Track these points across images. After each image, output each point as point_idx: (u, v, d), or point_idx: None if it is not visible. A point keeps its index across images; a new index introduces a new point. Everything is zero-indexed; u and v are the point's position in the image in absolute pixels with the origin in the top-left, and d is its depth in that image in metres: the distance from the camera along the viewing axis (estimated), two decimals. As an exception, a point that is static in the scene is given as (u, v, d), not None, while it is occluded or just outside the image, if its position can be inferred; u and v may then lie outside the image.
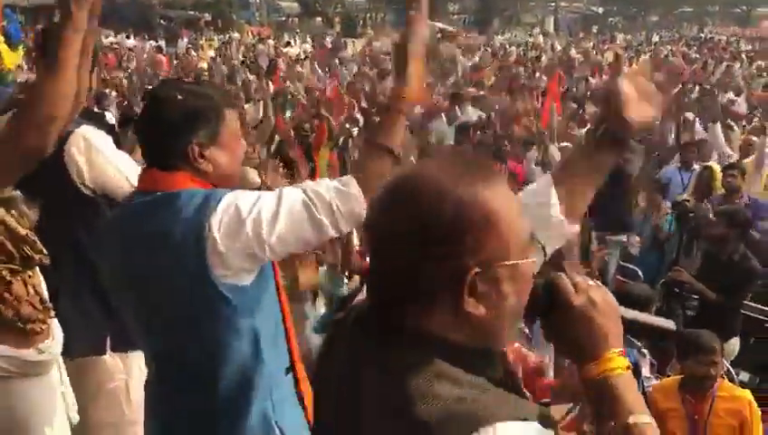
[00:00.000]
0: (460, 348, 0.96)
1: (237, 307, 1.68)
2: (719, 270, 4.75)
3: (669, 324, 1.19)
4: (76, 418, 2.16)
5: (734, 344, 4.66)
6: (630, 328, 1.13)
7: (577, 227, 1.46)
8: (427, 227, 0.93)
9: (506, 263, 0.96)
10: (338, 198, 1.67)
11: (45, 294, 2.05)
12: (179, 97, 1.73)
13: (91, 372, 2.45)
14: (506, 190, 0.99)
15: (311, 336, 3.25)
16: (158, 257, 1.67)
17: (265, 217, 1.62)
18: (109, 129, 2.64)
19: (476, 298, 0.94)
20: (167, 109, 1.73)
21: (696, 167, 6.95)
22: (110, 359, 2.41)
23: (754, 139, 7.24)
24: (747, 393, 3.41)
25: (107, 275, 1.87)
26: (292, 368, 1.85)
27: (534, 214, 1.31)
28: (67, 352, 2.39)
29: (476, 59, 19.33)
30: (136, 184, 2.21)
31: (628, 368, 1.05)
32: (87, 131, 2.37)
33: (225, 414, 1.73)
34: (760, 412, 3.34)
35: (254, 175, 4.35)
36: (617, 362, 1.04)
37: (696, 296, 4.85)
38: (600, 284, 1.09)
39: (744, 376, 4.41)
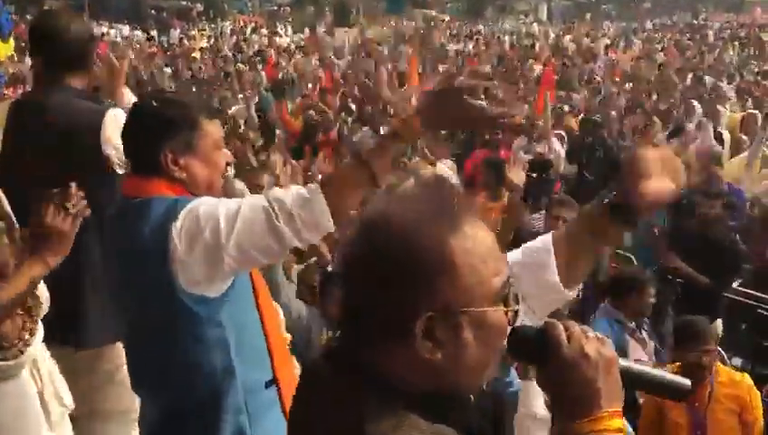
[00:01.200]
0: (421, 392, 0.93)
1: (203, 318, 1.66)
2: (709, 253, 4.78)
3: (684, 383, 1.04)
4: (71, 405, 2.13)
5: (718, 327, 4.72)
6: (636, 384, 1.04)
7: (574, 293, 1.39)
8: (382, 266, 0.92)
9: (468, 310, 0.92)
10: (301, 208, 1.61)
11: (44, 294, 2.00)
12: (154, 104, 1.79)
13: (101, 361, 2.47)
14: (478, 235, 0.95)
15: (291, 302, 3.39)
16: (129, 265, 1.72)
17: (223, 224, 1.59)
18: None
19: (434, 343, 0.91)
20: (142, 116, 1.79)
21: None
22: (120, 348, 2.39)
23: (744, 137, 7.29)
24: (746, 377, 3.42)
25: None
26: (274, 380, 1.82)
27: (532, 275, 1.30)
28: (82, 344, 2.41)
29: (470, 47, 19.31)
30: None
31: (619, 431, 0.96)
32: (117, 112, 2.40)
33: (198, 427, 1.72)
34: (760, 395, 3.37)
35: (240, 185, 4.38)
36: (607, 423, 0.95)
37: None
38: (600, 336, 1.01)
39: (737, 361, 4.44)
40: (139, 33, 22.81)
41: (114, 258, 1.80)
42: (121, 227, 1.76)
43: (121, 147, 1.98)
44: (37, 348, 1.94)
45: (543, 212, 4.86)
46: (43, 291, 1.97)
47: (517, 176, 4.05)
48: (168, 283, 1.61)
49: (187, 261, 1.60)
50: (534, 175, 5.51)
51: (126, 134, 1.82)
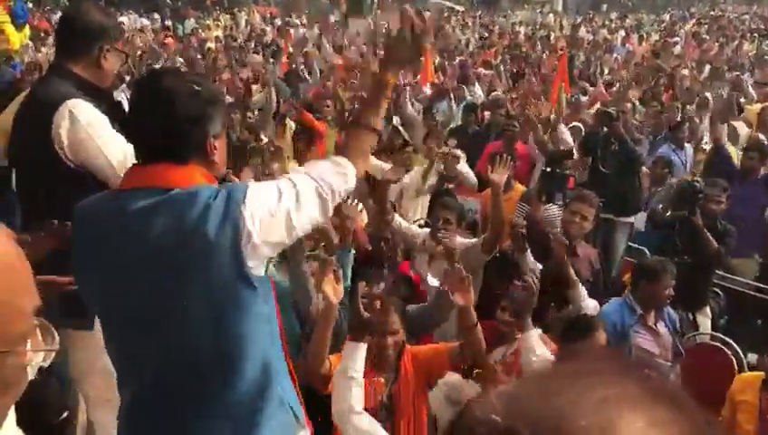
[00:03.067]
0: None
1: (260, 296, 1.70)
2: (718, 239, 4.83)
3: None
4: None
5: (708, 314, 4.89)
6: None
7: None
8: None
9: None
10: (339, 182, 1.79)
11: None
12: (196, 88, 1.70)
13: (79, 347, 2.38)
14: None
15: (314, 295, 3.33)
16: (186, 254, 1.63)
17: (292, 208, 1.69)
18: (112, 106, 2.57)
19: None
20: (185, 100, 1.68)
21: (688, 146, 6.98)
22: (99, 335, 2.32)
23: (761, 136, 7.22)
24: None
25: (95, 276, 1.76)
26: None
27: None
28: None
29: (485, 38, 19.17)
30: (120, 166, 2.19)
31: None
32: (76, 105, 2.30)
33: (249, 407, 1.71)
34: None
35: (249, 174, 4.42)
36: None
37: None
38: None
39: (753, 357, 4.41)
40: (145, 20, 22.76)
41: (148, 252, 1.65)
42: (166, 219, 1.63)
43: (68, 142, 2.07)
44: None
45: (555, 205, 4.80)
46: None
47: (497, 175, 4.02)
48: (239, 267, 1.63)
49: (260, 245, 1.64)
50: (548, 169, 5.46)
51: (158, 120, 1.69)
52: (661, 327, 3.90)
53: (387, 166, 5.76)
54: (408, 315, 3.06)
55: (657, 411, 0.61)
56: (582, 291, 3.76)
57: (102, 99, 2.46)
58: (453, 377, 2.63)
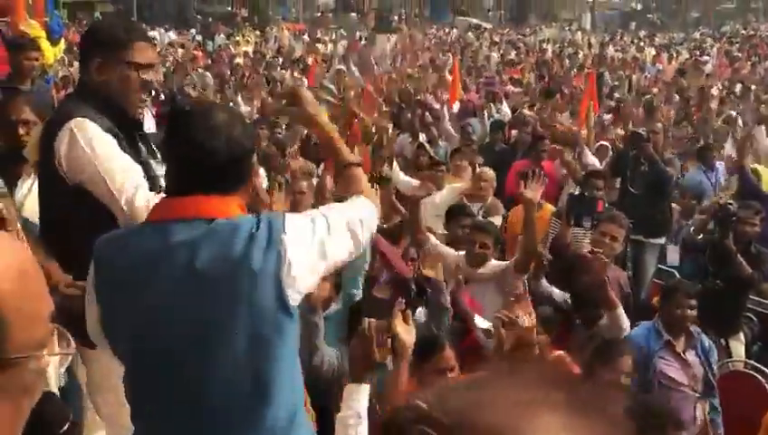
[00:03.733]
0: None
1: (296, 324, 1.74)
2: (752, 263, 4.74)
3: None
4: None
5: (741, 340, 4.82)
6: None
7: None
8: None
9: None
10: (364, 215, 1.87)
11: None
12: (246, 121, 1.78)
13: (91, 364, 2.35)
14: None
15: (323, 347, 3.22)
16: (233, 284, 1.64)
17: (325, 239, 1.73)
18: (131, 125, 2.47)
19: None
20: (240, 134, 1.72)
21: (719, 166, 6.88)
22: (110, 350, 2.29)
23: None
24: None
25: (128, 309, 1.72)
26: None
27: None
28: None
29: (512, 55, 19.17)
30: (118, 191, 2.13)
31: None
32: (79, 123, 2.25)
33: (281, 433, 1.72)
34: None
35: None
36: None
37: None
38: None
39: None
40: (173, 34, 23.15)
41: (194, 283, 1.65)
42: (214, 249, 1.64)
43: (66, 161, 2.12)
44: None
45: (580, 229, 4.71)
46: None
47: (531, 192, 3.97)
48: (281, 297, 1.66)
49: (300, 276, 1.67)
50: (577, 192, 5.39)
51: (211, 151, 1.67)
52: (691, 356, 3.75)
53: (415, 182, 5.74)
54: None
55: (576, 419, 0.64)
56: (621, 313, 3.68)
57: (121, 117, 2.36)
58: None
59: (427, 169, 6.00)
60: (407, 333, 2.35)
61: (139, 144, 2.40)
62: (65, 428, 1.80)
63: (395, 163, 6.35)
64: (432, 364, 2.74)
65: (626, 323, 3.70)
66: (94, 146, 2.23)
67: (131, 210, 2.10)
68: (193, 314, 1.66)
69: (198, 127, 1.71)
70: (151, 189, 2.18)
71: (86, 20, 21.98)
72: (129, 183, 2.14)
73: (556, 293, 4.08)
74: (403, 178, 6.09)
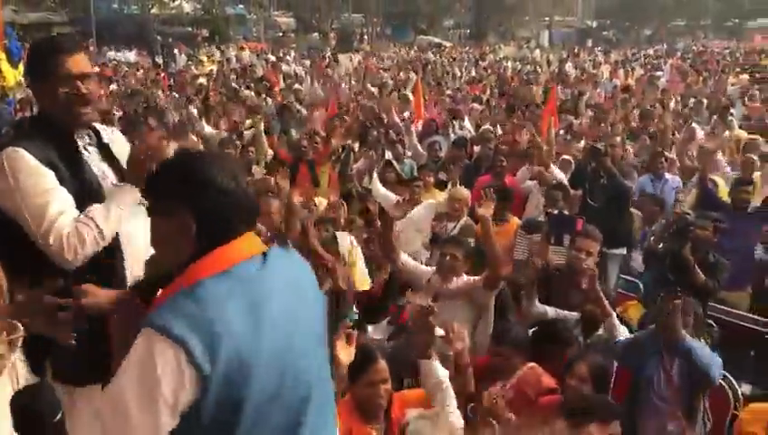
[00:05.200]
0: None
1: None
2: (709, 271, 4.90)
3: None
4: None
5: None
6: None
7: None
8: None
9: None
10: None
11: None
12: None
13: (81, 400, 2.31)
14: None
15: None
16: (317, 302, 1.86)
17: None
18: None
19: None
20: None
21: (668, 176, 7.06)
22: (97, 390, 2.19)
23: (755, 157, 7.34)
24: None
25: (260, 340, 1.57)
26: None
27: None
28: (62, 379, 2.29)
29: (473, 72, 19.47)
30: (36, 226, 2.21)
31: None
32: (10, 153, 2.24)
33: None
34: None
35: None
36: None
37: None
38: None
39: (746, 388, 4.42)
40: (132, 56, 22.87)
41: (313, 298, 1.84)
42: (304, 271, 1.85)
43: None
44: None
45: (561, 248, 4.78)
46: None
47: (484, 210, 4.08)
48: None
49: None
50: (555, 212, 5.49)
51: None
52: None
53: (392, 196, 5.79)
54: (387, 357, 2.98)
55: None
56: (615, 319, 3.84)
57: (62, 140, 2.35)
58: (418, 422, 2.73)
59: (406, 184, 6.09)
60: (345, 354, 2.46)
61: (84, 161, 2.39)
62: (58, 416, 1.79)
63: (374, 175, 6.42)
64: (366, 376, 2.79)
65: (621, 328, 3.83)
66: (19, 178, 2.23)
67: (45, 246, 2.22)
68: (309, 330, 1.79)
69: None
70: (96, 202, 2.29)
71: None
72: (47, 219, 2.21)
73: (550, 312, 4.13)
74: (383, 193, 6.14)
